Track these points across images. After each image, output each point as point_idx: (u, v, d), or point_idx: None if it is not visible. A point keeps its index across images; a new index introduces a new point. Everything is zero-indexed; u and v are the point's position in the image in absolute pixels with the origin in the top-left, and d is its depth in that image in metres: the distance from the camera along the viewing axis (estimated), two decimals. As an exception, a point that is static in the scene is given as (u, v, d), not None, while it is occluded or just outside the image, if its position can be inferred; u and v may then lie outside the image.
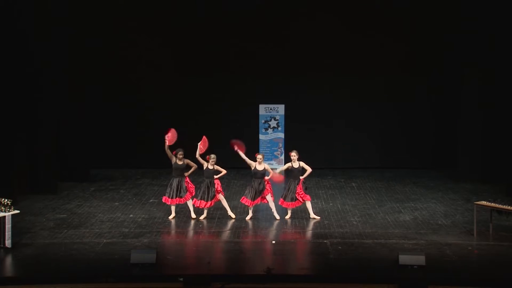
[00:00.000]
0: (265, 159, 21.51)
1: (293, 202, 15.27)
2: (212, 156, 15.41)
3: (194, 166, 15.54)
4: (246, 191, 15.41)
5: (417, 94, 21.23)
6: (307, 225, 15.03)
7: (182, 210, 15.71)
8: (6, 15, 16.67)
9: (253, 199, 15.22)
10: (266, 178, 15.40)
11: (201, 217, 15.36)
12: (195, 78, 21.25)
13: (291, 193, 15.24)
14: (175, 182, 15.42)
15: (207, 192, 15.25)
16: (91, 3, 19.83)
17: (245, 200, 15.32)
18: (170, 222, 15.25)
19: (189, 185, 15.48)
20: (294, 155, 15.33)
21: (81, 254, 12.93)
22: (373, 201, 17.28)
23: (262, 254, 13.10)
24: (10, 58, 16.65)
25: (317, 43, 20.98)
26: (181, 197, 15.39)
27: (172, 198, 15.40)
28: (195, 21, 20.94)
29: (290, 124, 21.52)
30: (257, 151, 21.50)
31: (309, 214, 15.47)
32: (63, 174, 18.72)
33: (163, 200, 15.58)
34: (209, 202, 15.28)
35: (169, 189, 15.45)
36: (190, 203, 15.44)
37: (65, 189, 18.30)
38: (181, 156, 15.43)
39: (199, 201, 15.26)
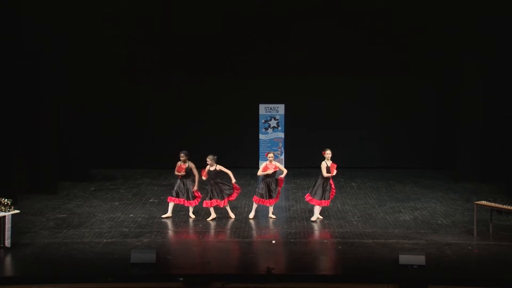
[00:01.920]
0: (265, 159, 21.56)
1: (328, 200, 15.28)
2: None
3: (196, 175, 15.33)
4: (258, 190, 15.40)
5: (417, 94, 21.22)
6: (307, 225, 15.02)
7: (182, 210, 15.70)
8: (5, 15, 16.67)
9: (266, 198, 15.25)
10: (281, 176, 15.44)
11: (209, 219, 15.34)
12: (195, 78, 21.25)
13: (326, 192, 15.17)
14: (179, 182, 15.41)
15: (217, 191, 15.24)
16: (91, 3, 19.83)
17: (257, 199, 15.35)
18: (170, 222, 15.24)
19: (196, 193, 15.43)
20: (329, 153, 15.25)
21: (81, 254, 12.93)
22: (373, 201, 17.29)
23: (262, 254, 13.09)
24: (10, 58, 16.64)
25: (318, 43, 20.96)
26: (187, 199, 15.37)
27: (174, 197, 15.40)
28: (195, 21, 20.93)
29: (290, 124, 21.51)
30: (257, 151, 21.60)
31: (313, 213, 15.52)
32: (63, 174, 18.72)
33: (168, 200, 15.59)
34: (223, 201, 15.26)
35: (175, 188, 15.44)
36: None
37: (65, 188, 18.31)
38: (181, 158, 15.38)
39: (213, 200, 15.22)
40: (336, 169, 15.30)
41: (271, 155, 15.40)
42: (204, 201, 15.30)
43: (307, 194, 15.53)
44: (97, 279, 11.67)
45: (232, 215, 15.42)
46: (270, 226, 14.99)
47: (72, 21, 18.94)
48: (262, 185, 15.32)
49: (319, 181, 15.26)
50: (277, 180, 15.35)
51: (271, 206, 15.41)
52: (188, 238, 14.19)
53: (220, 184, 15.18)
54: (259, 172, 15.35)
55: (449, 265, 12.37)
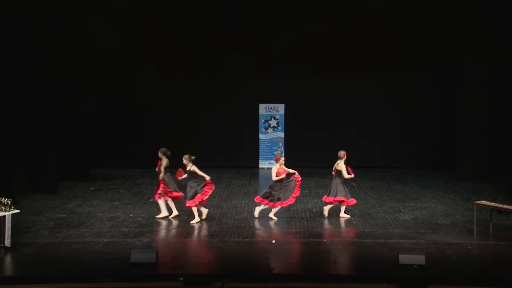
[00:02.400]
0: (265, 158, 21.65)
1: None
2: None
3: (161, 172, 15.32)
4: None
5: (417, 93, 21.22)
6: (307, 225, 15.02)
7: (182, 210, 15.69)
8: (6, 15, 16.68)
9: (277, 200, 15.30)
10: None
11: (203, 217, 15.30)
12: (195, 78, 21.24)
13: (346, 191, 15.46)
14: None
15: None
16: (90, 5, 19.85)
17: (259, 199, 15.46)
18: (170, 221, 15.24)
19: (161, 185, 15.42)
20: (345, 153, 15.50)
21: (81, 253, 12.92)
22: (373, 200, 17.28)
23: (262, 254, 13.07)
24: (10, 58, 16.64)
25: (318, 43, 20.97)
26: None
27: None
28: (195, 20, 20.92)
29: (290, 124, 21.52)
30: (257, 151, 21.62)
31: (325, 209, 15.69)
32: (63, 173, 18.70)
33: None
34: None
35: None
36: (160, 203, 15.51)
37: (65, 188, 18.30)
38: (158, 155, 15.50)
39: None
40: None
41: (283, 159, 15.39)
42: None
43: (325, 196, 15.65)
44: (97, 279, 11.66)
45: (204, 214, 15.27)
46: (270, 226, 14.99)
47: (72, 21, 18.94)
48: (275, 189, 15.22)
49: (339, 181, 15.34)
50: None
51: (276, 208, 15.37)
52: (188, 238, 14.17)
53: (193, 183, 15.09)
54: (275, 178, 15.19)
55: (449, 265, 12.37)
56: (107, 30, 20.71)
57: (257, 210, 15.50)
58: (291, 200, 15.35)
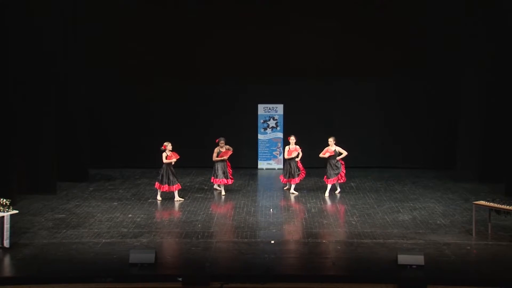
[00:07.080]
0: (264, 159, 21.64)
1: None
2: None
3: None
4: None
5: (416, 93, 21.22)
6: (306, 225, 15.02)
7: (181, 210, 15.67)
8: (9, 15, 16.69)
9: (286, 177, 17.89)
10: (297, 159, 17.88)
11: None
12: (195, 78, 21.24)
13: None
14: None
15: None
16: (93, 8, 19.90)
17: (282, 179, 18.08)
18: (169, 222, 15.25)
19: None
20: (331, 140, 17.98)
21: (80, 254, 12.93)
22: (372, 201, 17.28)
23: (262, 254, 13.07)
24: (11, 58, 16.63)
25: (317, 43, 20.98)
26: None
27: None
28: (195, 20, 20.93)
29: (289, 124, 21.51)
30: (256, 151, 21.62)
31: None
32: (62, 174, 18.69)
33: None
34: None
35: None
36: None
37: (64, 189, 18.29)
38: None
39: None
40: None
41: (292, 138, 17.90)
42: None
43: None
44: (96, 279, 11.67)
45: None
46: (269, 226, 14.98)
47: (72, 20, 18.97)
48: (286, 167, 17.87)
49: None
50: (296, 162, 17.79)
51: (293, 184, 17.82)
52: (187, 238, 14.17)
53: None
54: (286, 156, 17.82)
55: (448, 265, 12.38)
56: (107, 30, 20.70)
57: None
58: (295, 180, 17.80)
